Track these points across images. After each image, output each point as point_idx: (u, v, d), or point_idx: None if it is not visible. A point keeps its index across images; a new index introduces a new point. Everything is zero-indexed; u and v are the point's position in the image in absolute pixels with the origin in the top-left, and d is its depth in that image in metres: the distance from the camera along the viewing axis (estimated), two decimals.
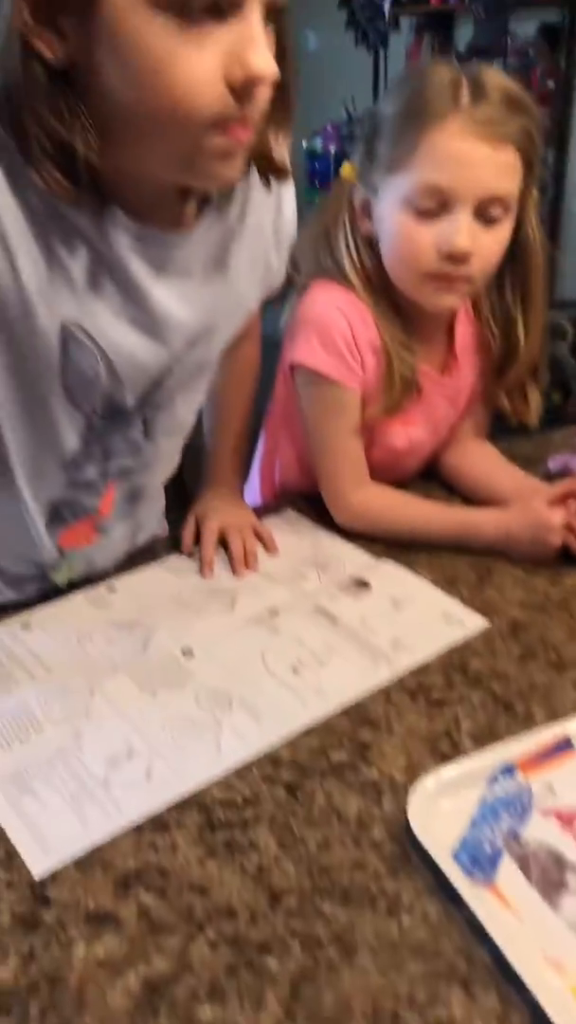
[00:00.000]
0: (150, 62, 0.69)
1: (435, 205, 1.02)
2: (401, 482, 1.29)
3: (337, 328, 1.11)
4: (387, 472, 1.25)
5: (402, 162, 1.02)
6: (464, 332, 1.23)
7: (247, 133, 0.76)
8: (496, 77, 1.02)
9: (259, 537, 1.19)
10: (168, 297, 0.89)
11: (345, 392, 1.14)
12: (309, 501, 1.28)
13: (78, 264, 0.82)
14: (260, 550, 1.16)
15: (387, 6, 4.23)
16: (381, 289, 1.13)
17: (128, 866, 0.73)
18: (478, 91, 0.99)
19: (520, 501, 1.13)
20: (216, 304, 0.95)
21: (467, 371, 1.24)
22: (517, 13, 3.66)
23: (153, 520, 1.20)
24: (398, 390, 1.13)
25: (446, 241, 1.02)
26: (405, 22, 4.48)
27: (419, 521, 1.17)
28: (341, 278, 1.13)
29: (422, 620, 1.01)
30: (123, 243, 0.83)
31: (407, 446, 1.24)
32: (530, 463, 1.33)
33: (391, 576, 1.09)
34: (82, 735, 0.85)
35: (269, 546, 1.17)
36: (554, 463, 1.32)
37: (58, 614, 1.03)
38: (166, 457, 1.09)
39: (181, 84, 0.70)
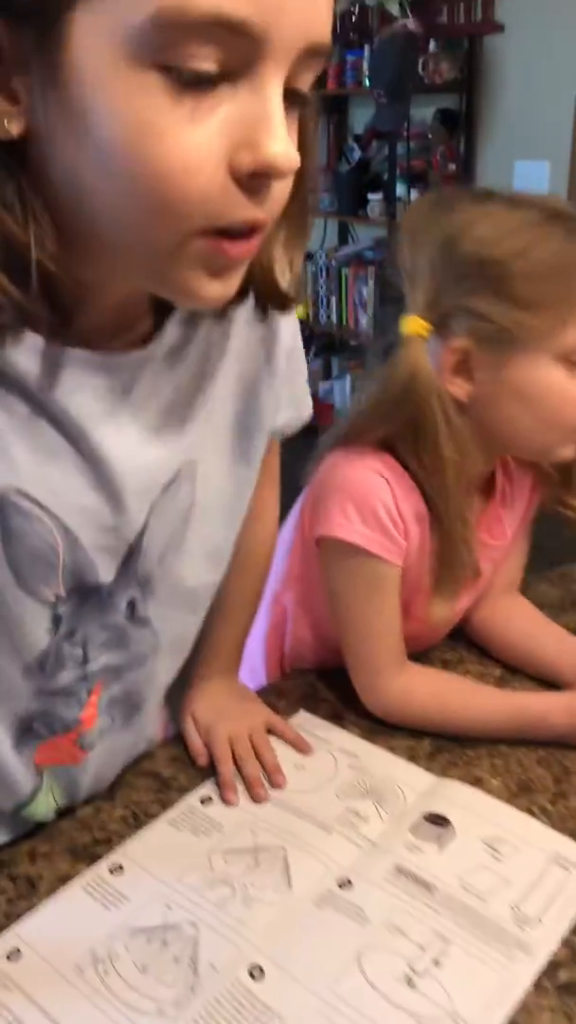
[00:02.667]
0: (130, 134, 0.50)
1: None
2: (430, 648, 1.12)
3: (378, 496, 0.93)
4: (418, 643, 1.07)
5: (558, 314, 0.88)
6: (503, 484, 1.06)
7: (249, 247, 0.57)
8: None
9: (281, 737, 0.97)
10: (128, 436, 0.69)
11: (387, 567, 0.95)
12: (324, 678, 1.08)
13: (12, 417, 0.63)
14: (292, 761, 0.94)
15: None
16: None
17: None
18: None
19: None
20: (192, 439, 0.75)
21: (508, 524, 1.07)
22: (416, 98, 3.62)
23: (159, 726, 0.97)
24: (459, 576, 0.97)
25: None
26: None
27: (473, 712, 0.99)
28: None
29: (532, 871, 0.78)
30: (70, 378, 0.64)
31: (449, 617, 1.04)
32: (561, 611, 1.17)
33: (469, 804, 0.87)
34: None
35: (300, 746, 0.96)
36: None
37: (50, 919, 0.75)
38: (173, 646, 0.85)
39: (170, 164, 0.51)
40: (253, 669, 1.18)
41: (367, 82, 3.60)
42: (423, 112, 3.80)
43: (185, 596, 0.82)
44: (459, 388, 0.91)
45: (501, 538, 1.06)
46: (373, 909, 0.75)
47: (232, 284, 0.60)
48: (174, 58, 0.49)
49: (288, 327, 0.83)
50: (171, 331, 0.70)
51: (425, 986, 0.68)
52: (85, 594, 0.72)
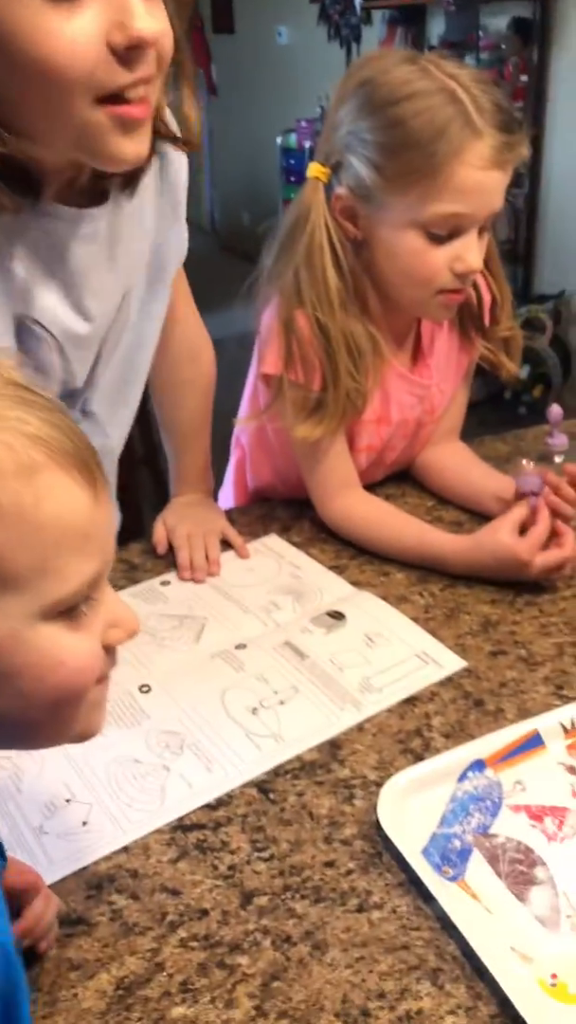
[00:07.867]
0: (24, 42, 0.69)
1: (449, 231, 1.03)
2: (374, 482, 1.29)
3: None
4: (365, 476, 1.25)
5: (417, 187, 1.00)
6: (430, 327, 1.22)
7: (141, 108, 0.75)
8: (492, 93, 1.01)
9: (230, 542, 1.19)
10: (99, 269, 0.91)
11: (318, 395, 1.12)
12: (282, 504, 1.30)
13: (19, 260, 0.84)
14: (235, 564, 1.16)
15: (358, 1, 4.26)
16: (354, 291, 1.11)
17: (100, 869, 0.74)
18: (483, 114, 0.99)
19: (487, 531, 1.08)
20: (132, 264, 0.97)
21: (434, 366, 1.23)
22: (488, 7, 3.63)
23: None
24: (342, 399, 1.11)
25: (462, 262, 1.04)
26: (377, 15, 4.49)
27: (393, 540, 1.15)
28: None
29: (395, 659, 0.97)
30: (59, 230, 0.86)
31: (379, 445, 1.23)
32: (506, 462, 1.31)
33: (369, 609, 1.05)
34: (23, 775, 0.83)
35: (241, 551, 1.18)
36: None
37: None
38: (113, 429, 1.08)
39: (59, 54, 0.69)
40: (227, 498, 1.39)
41: None
42: (499, 21, 3.74)
43: (120, 395, 1.06)
44: (348, 229, 1.07)
45: (426, 377, 1.22)
46: (251, 664, 0.97)
47: (143, 142, 0.78)
48: None
49: (180, 163, 1.02)
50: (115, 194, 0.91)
51: (265, 715, 0.90)
52: (64, 399, 0.93)
